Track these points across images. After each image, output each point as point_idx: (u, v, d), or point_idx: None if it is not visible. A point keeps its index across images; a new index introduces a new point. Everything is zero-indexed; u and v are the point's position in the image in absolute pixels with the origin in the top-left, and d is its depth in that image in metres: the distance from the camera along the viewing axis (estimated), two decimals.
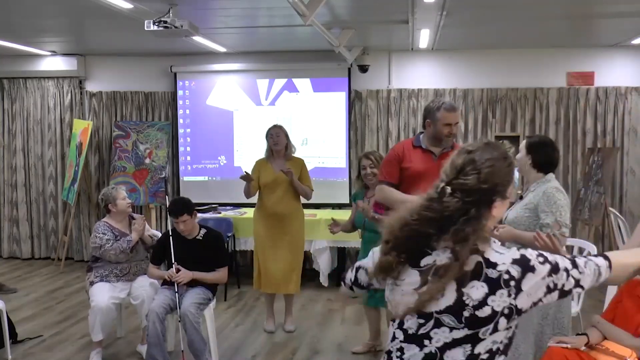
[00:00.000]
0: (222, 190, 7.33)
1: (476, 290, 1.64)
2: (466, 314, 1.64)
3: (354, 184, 4.96)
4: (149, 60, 7.52)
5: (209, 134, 7.42)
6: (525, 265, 1.66)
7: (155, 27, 4.42)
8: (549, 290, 1.67)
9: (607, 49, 6.88)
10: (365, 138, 7.22)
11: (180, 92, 7.47)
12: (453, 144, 3.75)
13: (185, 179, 7.52)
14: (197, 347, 4.04)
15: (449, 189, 1.68)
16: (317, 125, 7.19)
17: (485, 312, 1.63)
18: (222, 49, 6.86)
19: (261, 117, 7.23)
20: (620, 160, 6.84)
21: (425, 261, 1.72)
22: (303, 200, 5.15)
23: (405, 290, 1.74)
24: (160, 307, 4.05)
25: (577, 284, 1.71)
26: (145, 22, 4.44)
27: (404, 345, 1.74)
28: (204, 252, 4.29)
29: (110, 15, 4.81)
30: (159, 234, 4.74)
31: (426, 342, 1.69)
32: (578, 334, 3.11)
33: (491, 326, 1.64)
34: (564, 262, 1.71)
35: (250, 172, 5.00)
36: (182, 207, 4.22)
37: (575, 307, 3.96)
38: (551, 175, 3.26)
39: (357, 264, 2.16)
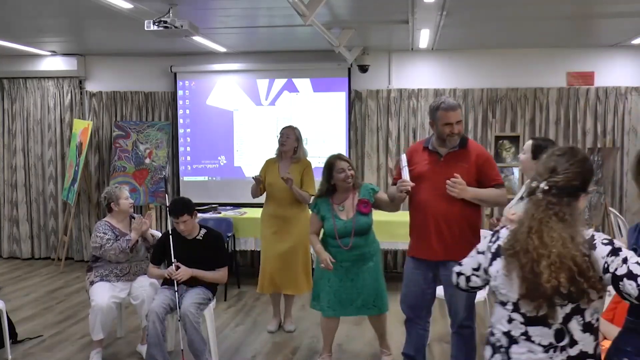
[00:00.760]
0: (222, 190, 7.32)
1: None
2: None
3: (320, 187, 4.30)
4: (148, 60, 7.52)
5: (209, 134, 7.42)
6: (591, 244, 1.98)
7: (155, 27, 4.42)
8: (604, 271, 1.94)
9: (607, 49, 6.88)
10: (365, 138, 7.22)
11: (180, 92, 7.47)
12: (467, 142, 3.64)
13: (185, 179, 7.53)
14: (197, 347, 4.04)
15: (545, 186, 2.02)
16: (317, 125, 7.19)
17: None
18: (222, 49, 6.86)
19: (261, 117, 7.24)
20: (620, 160, 6.84)
21: None
22: None
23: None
24: (160, 307, 4.05)
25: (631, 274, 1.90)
26: (145, 22, 4.44)
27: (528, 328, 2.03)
28: (204, 252, 4.29)
29: (110, 15, 4.81)
30: (159, 234, 4.74)
31: (551, 320, 1.98)
32: None
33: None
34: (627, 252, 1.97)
35: (259, 172, 5.05)
36: (182, 207, 4.22)
37: None
38: None
39: (457, 269, 2.34)
